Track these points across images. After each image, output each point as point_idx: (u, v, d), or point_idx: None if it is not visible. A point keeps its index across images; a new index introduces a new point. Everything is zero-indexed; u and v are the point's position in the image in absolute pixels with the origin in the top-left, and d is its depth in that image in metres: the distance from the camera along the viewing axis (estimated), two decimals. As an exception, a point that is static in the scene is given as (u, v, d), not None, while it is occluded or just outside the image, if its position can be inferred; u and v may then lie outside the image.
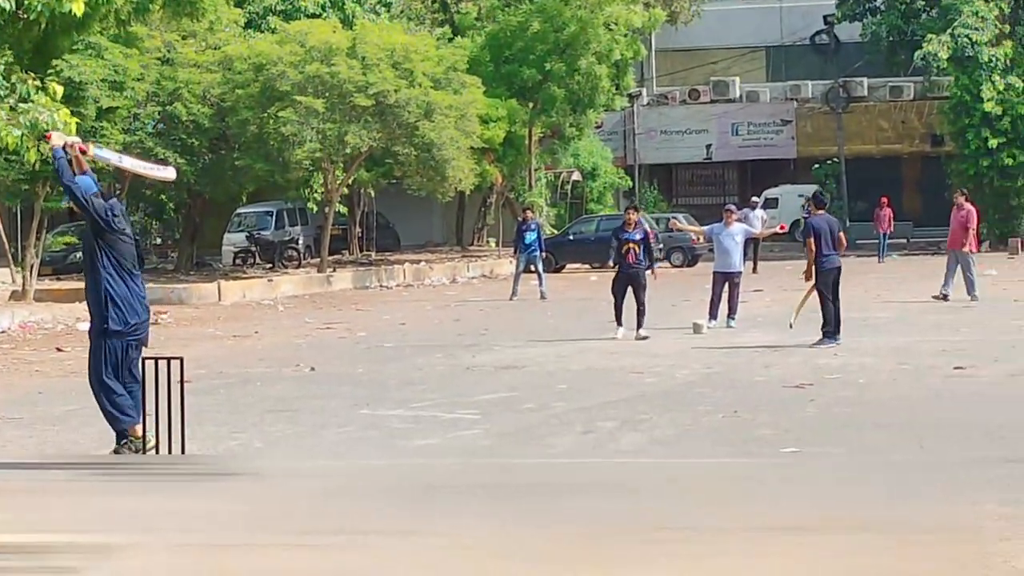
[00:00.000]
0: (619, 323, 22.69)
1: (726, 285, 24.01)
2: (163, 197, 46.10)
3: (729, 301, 23.98)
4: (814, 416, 13.80)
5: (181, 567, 8.37)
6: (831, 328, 20.67)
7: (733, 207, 25.62)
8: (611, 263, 23.71)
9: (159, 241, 55.74)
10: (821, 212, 21.87)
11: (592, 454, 11.92)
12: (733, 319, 23.87)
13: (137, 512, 9.62)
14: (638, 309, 22.59)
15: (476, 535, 8.92)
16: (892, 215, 47.39)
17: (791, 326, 21.47)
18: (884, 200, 47.50)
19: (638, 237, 22.83)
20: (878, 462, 11.13)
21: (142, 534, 8.99)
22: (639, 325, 22.50)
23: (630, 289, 22.70)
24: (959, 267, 27.97)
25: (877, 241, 47.02)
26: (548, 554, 8.46)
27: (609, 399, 15.38)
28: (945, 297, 27.62)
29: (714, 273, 24.26)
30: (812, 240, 21.04)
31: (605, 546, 8.66)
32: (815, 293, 21.01)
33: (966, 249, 27.96)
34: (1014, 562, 8.00)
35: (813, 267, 21.07)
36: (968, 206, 28.47)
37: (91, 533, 8.80)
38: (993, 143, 50.79)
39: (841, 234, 21.45)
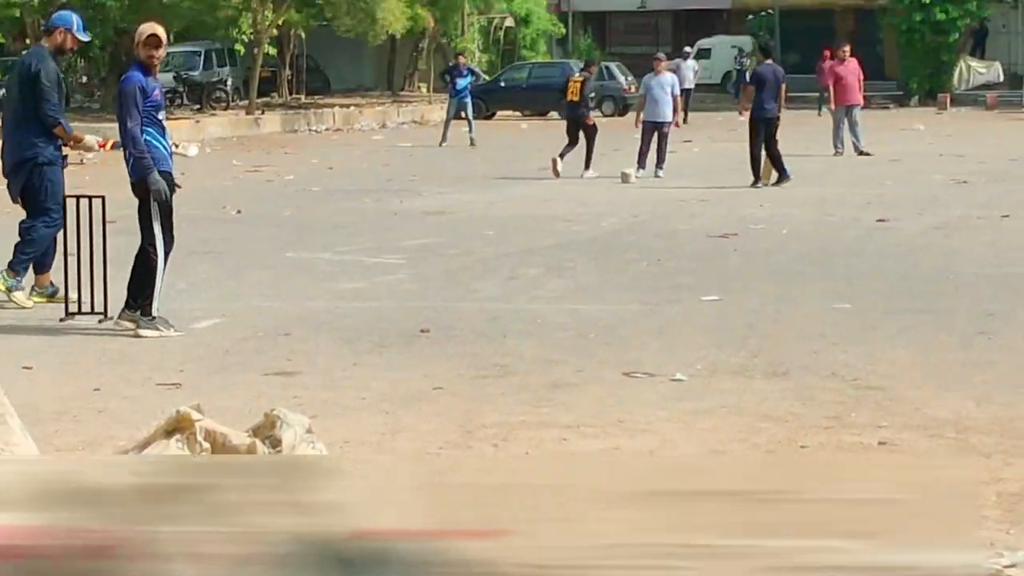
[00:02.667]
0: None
1: (655, 135, 24.12)
2: (89, 34, 45.48)
3: (658, 151, 24.08)
4: (737, 265, 13.95)
5: (152, 403, 8.46)
6: (755, 174, 21.88)
7: (662, 55, 25.67)
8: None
9: (84, 79, 55.01)
10: (769, 61, 22.63)
11: (516, 299, 12.03)
12: (661, 169, 23.97)
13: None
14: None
15: (407, 368, 9.07)
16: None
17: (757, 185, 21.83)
18: (827, 53, 47.38)
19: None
20: (797, 311, 11.30)
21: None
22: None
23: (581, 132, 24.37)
24: (846, 119, 28.02)
25: (817, 94, 46.94)
26: (473, 390, 8.59)
27: (535, 246, 15.48)
28: (864, 152, 27.70)
29: (643, 122, 24.35)
30: (752, 87, 22.41)
31: (523, 384, 8.80)
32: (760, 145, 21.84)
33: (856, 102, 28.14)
34: (925, 410, 8.19)
35: (750, 112, 22.36)
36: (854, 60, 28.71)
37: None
38: (927, -2, 50.77)
39: (783, 87, 22.18)
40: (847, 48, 28.92)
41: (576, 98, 24.72)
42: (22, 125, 11.73)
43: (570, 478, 3.94)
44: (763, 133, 22.00)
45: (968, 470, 4.38)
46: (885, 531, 3.68)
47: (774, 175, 22.00)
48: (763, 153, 22.01)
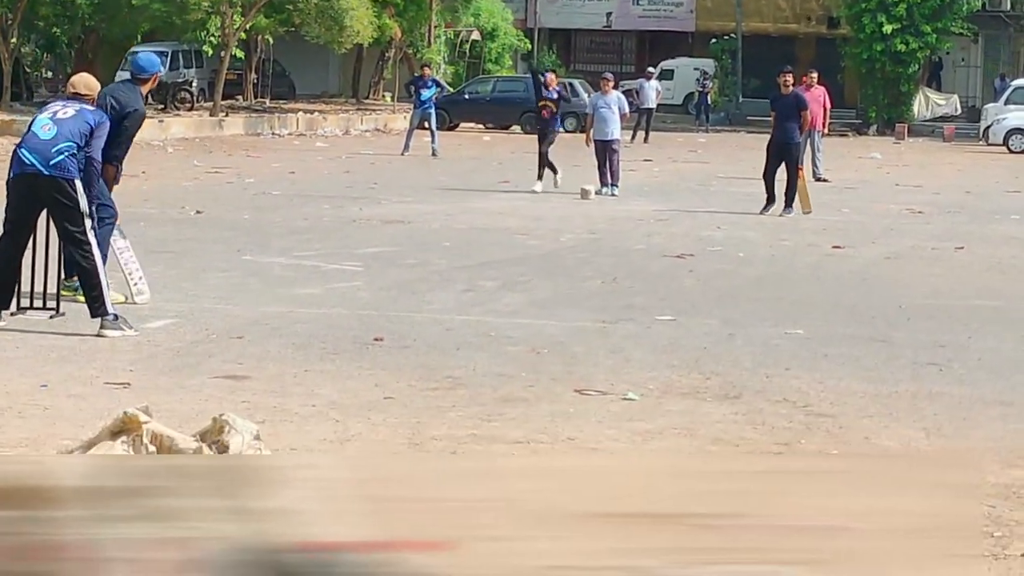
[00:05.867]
0: (540, 177, 24.51)
1: (606, 153, 24.18)
2: (56, 31, 45.31)
3: (610, 169, 24.13)
4: (692, 286, 13.97)
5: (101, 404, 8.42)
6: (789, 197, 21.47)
7: (610, 75, 25.69)
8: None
9: (49, 75, 54.80)
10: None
11: (471, 312, 12.02)
12: (616, 186, 24.02)
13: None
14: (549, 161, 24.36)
15: (358, 377, 9.05)
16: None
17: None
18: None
19: (555, 96, 25.10)
20: (750, 334, 11.31)
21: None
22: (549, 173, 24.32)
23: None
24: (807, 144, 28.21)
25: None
26: (424, 401, 8.58)
27: (492, 259, 15.48)
28: (822, 179, 27.84)
29: (594, 141, 24.41)
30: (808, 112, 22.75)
31: (474, 397, 8.79)
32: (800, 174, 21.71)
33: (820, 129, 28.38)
34: (875, 439, 8.20)
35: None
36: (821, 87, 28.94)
37: None
38: (888, 28, 50.98)
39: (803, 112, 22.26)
40: (814, 75, 29.03)
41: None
42: None
43: (519, 494, 3.93)
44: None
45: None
46: (836, 560, 3.68)
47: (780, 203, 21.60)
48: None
